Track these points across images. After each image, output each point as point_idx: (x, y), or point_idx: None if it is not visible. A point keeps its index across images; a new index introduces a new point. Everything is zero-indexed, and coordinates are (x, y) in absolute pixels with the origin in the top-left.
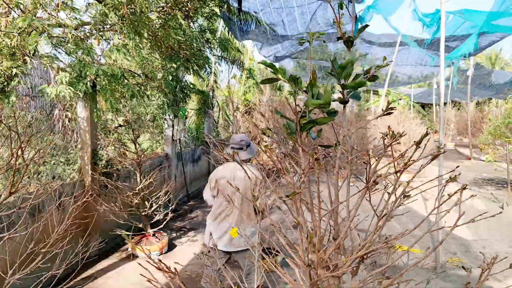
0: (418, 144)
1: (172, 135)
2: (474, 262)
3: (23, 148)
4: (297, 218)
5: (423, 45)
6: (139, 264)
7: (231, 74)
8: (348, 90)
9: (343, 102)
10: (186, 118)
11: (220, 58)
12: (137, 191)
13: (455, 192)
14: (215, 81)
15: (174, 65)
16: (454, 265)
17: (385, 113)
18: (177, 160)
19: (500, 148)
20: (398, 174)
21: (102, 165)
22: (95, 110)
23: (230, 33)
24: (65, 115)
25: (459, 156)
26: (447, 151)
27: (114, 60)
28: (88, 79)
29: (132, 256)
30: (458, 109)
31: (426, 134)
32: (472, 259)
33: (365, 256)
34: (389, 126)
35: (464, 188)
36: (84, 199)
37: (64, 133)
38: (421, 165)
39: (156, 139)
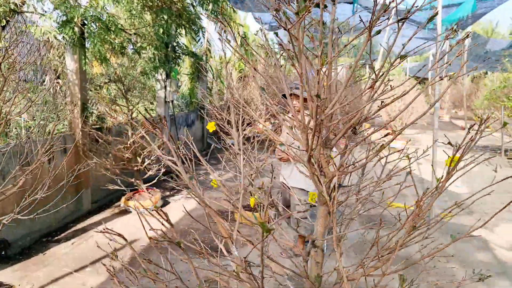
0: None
1: (165, 96)
2: (467, 217)
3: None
4: (299, 70)
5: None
6: (139, 213)
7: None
8: None
9: None
10: (179, 82)
11: (212, 12)
12: (128, 145)
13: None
14: (208, 50)
15: (165, 17)
16: (446, 220)
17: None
18: (170, 123)
19: (495, 113)
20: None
21: (93, 120)
22: (83, 58)
23: None
24: (57, 82)
25: (454, 127)
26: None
27: (101, 8)
28: (75, 25)
29: (125, 212)
30: (455, 83)
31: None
32: (465, 213)
33: (357, 127)
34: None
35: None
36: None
37: (55, 95)
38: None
39: (148, 107)
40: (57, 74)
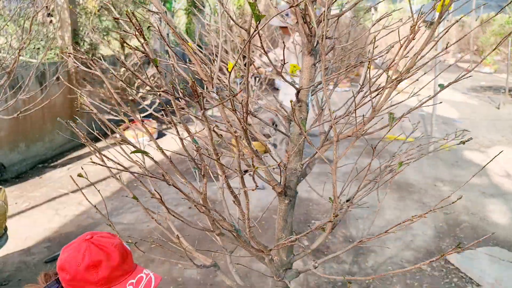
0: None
1: (159, 30)
2: (467, 146)
3: None
4: None
5: None
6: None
7: None
8: None
9: None
10: (175, 17)
11: None
12: (121, 73)
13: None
14: None
15: None
16: (446, 149)
17: None
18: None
19: (501, 49)
20: None
21: (85, 48)
22: None
23: None
24: (50, 21)
25: (459, 69)
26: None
27: None
28: None
29: (121, 142)
30: (462, 27)
31: None
32: (464, 145)
33: None
34: None
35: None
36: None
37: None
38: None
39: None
40: (49, 12)
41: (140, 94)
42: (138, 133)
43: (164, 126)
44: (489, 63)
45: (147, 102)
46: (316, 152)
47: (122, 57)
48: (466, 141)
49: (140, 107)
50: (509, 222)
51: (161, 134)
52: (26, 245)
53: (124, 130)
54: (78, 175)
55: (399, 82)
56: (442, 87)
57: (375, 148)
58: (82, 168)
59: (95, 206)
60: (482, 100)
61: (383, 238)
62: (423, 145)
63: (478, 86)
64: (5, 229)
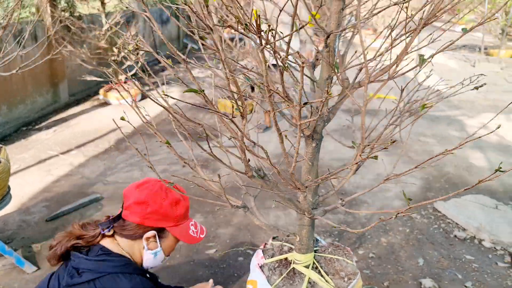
0: None
1: None
2: (445, 103)
3: None
4: None
5: None
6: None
7: None
8: None
9: None
10: None
11: None
12: (103, 32)
13: None
14: None
15: None
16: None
17: None
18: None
19: (478, 8)
20: None
21: (62, 6)
22: None
23: None
24: None
25: (433, 29)
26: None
27: None
28: None
29: (105, 104)
30: None
31: None
32: (443, 103)
33: None
34: None
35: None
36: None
37: None
38: None
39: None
40: None
41: (122, 54)
42: (122, 94)
43: (146, 88)
44: (463, 22)
45: (130, 62)
46: (344, 96)
47: (103, 16)
48: (480, 86)
49: (123, 67)
50: (490, 171)
51: (144, 96)
52: (24, 205)
53: (106, 91)
54: (121, 118)
55: (429, 21)
56: (465, 31)
57: (403, 89)
58: (105, 123)
59: (136, 149)
60: (457, 59)
61: (374, 190)
62: (442, 90)
63: (453, 45)
64: (9, 187)
